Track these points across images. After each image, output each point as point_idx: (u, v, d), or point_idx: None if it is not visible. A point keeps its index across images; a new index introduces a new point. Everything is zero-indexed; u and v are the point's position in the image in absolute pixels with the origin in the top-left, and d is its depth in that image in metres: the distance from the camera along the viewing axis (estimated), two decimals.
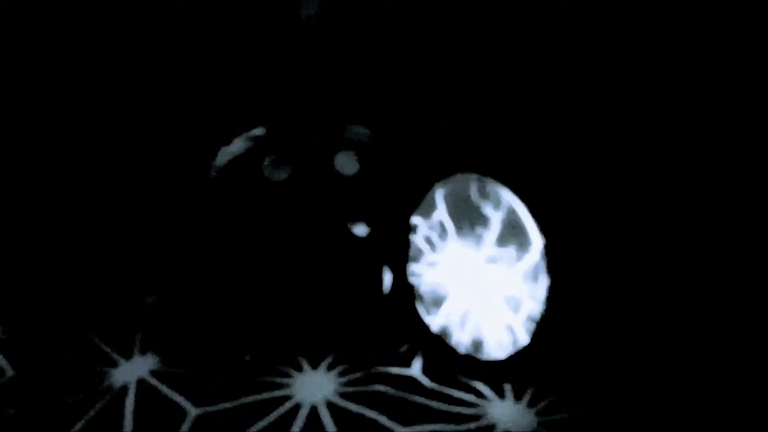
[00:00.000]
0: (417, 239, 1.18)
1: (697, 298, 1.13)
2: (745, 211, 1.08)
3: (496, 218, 1.09)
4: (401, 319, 1.24)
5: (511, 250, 1.07)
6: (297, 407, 1.04)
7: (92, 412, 1.02)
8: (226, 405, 1.04)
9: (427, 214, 1.16)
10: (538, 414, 1.03)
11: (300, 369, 1.13)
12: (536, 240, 1.03)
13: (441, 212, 1.15)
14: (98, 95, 1.36)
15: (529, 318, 1.05)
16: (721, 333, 1.11)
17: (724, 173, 1.08)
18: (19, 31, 1.31)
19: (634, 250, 1.15)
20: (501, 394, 1.08)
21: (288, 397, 1.06)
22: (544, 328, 1.03)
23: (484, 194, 1.09)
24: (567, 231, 1.03)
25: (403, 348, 1.19)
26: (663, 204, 1.13)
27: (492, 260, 1.10)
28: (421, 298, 1.18)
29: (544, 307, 1.03)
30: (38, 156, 1.38)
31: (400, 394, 1.07)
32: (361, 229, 1.20)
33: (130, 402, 1.04)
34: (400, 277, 1.19)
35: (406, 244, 1.18)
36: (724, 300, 1.11)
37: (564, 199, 1.03)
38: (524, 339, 1.05)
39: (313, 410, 1.03)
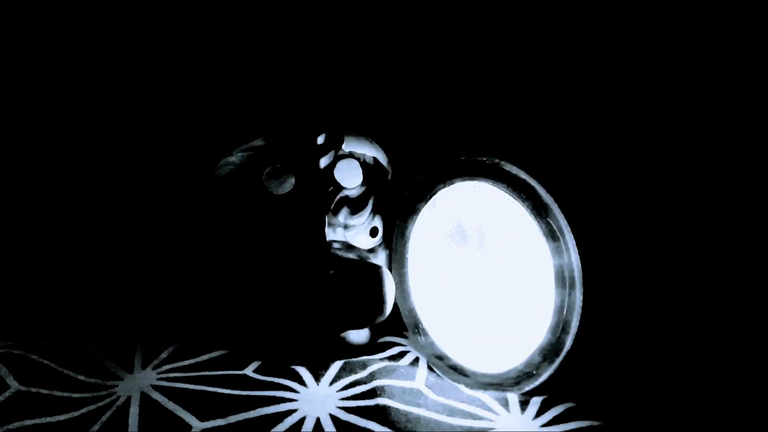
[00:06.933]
0: (420, 249, 1.18)
1: (710, 305, 1.12)
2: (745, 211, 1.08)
3: (496, 226, 1.09)
4: (403, 330, 1.24)
5: (515, 257, 1.07)
6: (301, 421, 1.03)
7: (96, 427, 1.02)
8: (230, 419, 1.03)
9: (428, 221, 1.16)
10: (544, 426, 1.02)
11: (303, 383, 1.13)
12: (543, 247, 1.03)
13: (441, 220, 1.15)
14: (95, 104, 1.38)
15: (536, 329, 1.04)
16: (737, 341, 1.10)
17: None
18: (18, 35, 1.34)
19: (644, 256, 1.15)
20: (507, 406, 1.07)
21: (292, 411, 1.05)
22: (551, 339, 1.02)
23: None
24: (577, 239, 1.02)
25: (406, 361, 1.19)
26: (666, 206, 1.13)
27: (496, 269, 1.09)
28: (424, 310, 1.18)
29: (553, 318, 1.02)
30: (39, 167, 1.40)
31: (404, 407, 1.07)
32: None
33: (133, 417, 1.04)
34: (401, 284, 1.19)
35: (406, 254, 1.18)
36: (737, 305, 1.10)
37: (568, 206, 1.03)
38: (530, 350, 1.05)
39: (318, 424, 1.02)
